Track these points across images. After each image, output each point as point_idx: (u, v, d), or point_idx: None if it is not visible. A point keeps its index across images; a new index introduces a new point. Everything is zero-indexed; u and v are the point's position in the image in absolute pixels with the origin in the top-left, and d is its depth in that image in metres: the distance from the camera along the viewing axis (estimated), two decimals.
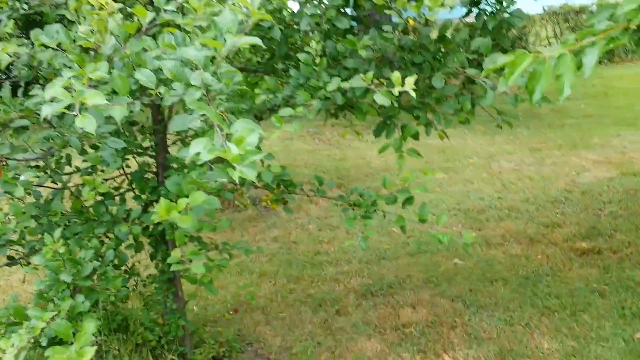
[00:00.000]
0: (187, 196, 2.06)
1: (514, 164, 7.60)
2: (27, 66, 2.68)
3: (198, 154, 1.68)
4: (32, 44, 2.41)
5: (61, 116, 2.43)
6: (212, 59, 1.86)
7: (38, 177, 2.82)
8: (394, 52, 2.91)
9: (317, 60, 2.66)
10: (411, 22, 2.61)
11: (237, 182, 2.29)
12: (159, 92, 1.92)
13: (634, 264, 4.53)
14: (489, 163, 7.68)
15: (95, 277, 2.66)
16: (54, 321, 2.18)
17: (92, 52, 2.03)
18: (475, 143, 8.71)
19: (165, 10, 2.03)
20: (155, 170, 3.31)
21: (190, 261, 2.66)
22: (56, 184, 3.09)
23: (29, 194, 2.80)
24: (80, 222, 3.00)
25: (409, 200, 2.95)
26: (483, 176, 7.16)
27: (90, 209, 3.00)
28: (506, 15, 2.99)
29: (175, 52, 2.02)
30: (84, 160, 3.30)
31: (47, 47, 2.27)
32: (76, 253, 2.56)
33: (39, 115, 2.26)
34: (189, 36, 2.13)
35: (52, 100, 1.74)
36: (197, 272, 2.74)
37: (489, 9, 3.07)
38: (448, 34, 3.00)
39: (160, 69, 1.97)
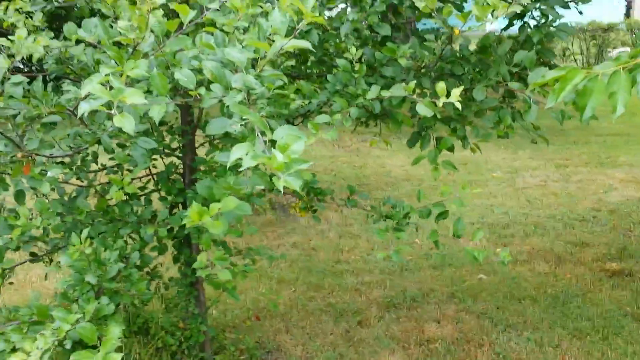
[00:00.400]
0: (218, 201, 2.01)
1: (539, 180, 7.46)
2: (57, 61, 2.64)
3: (239, 159, 1.61)
4: (63, 37, 2.36)
5: (92, 113, 2.37)
6: (255, 61, 1.79)
7: (65, 174, 2.77)
8: (434, 62, 2.82)
9: (357, 67, 2.58)
10: (457, 32, 2.52)
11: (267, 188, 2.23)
12: (199, 94, 1.85)
13: None
14: (513, 178, 7.55)
15: (118, 279, 2.60)
16: (78, 323, 2.12)
17: (129, 49, 1.97)
18: (498, 157, 8.58)
19: (207, 9, 1.97)
20: (181, 171, 3.25)
21: (214, 266, 2.60)
22: (82, 181, 3.04)
23: (54, 190, 2.75)
24: (104, 222, 2.94)
25: (443, 215, 2.86)
26: (507, 191, 7.04)
27: (115, 209, 2.94)
28: (552, 29, 2.89)
29: (214, 53, 1.96)
30: (111, 159, 3.26)
31: (79, 41, 2.22)
32: (101, 253, 2.50)
33: (70, 111, 2.21)
34: (228, 37, 2.07)
35: (88, 96, 1.68)
36: (224, 278, 2.68)
37: (533, 22, 2.98)
38: (489, 46, 2.92)
39: (198, 69, 1.91)
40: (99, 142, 2.48)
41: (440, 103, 2.20)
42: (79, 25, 2.11)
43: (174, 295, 3.26)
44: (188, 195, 2.94)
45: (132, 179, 2.99)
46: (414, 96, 2.35)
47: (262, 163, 1.59)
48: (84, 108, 1.61)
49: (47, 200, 2.76)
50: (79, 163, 2.99)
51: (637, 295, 4.29)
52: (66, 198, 2.95)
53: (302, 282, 4.72)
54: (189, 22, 1.91)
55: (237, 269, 2.96)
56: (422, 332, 3.88)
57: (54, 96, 2.12)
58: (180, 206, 3.20)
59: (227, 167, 1.68)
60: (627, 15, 21.57)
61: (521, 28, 3.00)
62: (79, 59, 2.21)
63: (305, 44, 1.68)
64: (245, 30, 2.09)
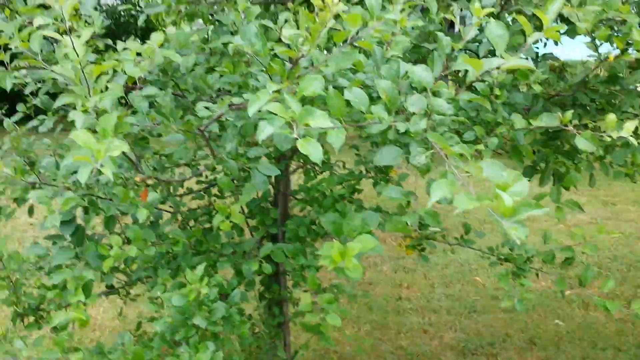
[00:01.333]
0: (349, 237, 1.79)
1: (589, 217, 7.18)
2: (162, 71, 2.39)
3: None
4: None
5: (219, 135, 2.12)
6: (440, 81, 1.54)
7: (164, 200, 2.50)
8: (569, 90, 2.57)
9: (497, 91, 2.32)
10: (611, 58, 2.27)
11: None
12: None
13: None
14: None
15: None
16: None
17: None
18: (539, 190, 8.29)
19: (376, 19, 1.71)
20: (272, 199, 2.99)
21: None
22: (170, 207, 2.78)
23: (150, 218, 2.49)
24: (194, 253, 2.68)
25: (569, 260, 2.59)
26: (558, 227, 6.74)
27: (208, 238, 2.67)
28: None
29: (385, 69, 1.71)
30: (199, 182, 3.00)
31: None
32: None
33: (200, 131, 1.95)
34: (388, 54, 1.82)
35: (256, 114, 1.43)
36: (333, 323, 2.42)
37: None
38: (622, 74, 2.67)
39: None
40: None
41: (614, 135, 1.95)
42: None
43: (260, 336, 2.97)
44: (289, 227, 2.68)
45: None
46: (571, 128, 2.09)
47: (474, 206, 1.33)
48: (266, 131, 1.35)
49: (139, 228, 2.49)
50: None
51: None
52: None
53: (365, 320, 4.42)
54: (356, 34, 1.66)
55: (328, 308, 2.68)
56: None
57: (182, 114, 1.87)
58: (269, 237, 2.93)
59: (427, 207, 1.40)
60: None
61: None
62: (224, 72, 1.96)
63: (527, 63, 1.42)
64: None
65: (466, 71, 1.61)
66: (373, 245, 1.79)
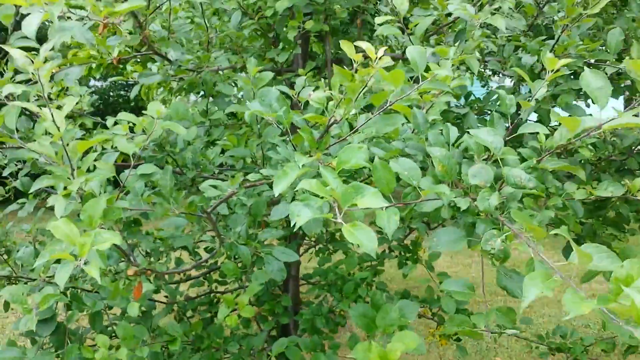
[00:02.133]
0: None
1: (605, 286, 6.80)
2: (158, 146, 2.09)
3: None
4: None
5: (224, 215, 1.80)
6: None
7: (158, 289, 2.15)
8: (621, 154, 2.30)
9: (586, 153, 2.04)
10: None
11: None
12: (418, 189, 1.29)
13: None
14: (576, 283, 6.87)
15: None
16: None
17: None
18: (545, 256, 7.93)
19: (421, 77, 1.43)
20: (281, 284, 2.64)
21: None
22: (166, 297, 2.43)
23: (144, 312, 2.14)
24: (193, 349, 2.31)
25: (632, 349, 2.25)
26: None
27: (209, 333, 2.31)
28: None
29: (433, 135, 1.41)
30: (197, 267, 2.66)
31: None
32: None
33: (207, 213, 1.63)
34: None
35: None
36: None
37: None
38: None
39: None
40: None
41: None
42: None
43: None
44: (304, 317, 2.32)
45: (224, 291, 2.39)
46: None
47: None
48: (303, 216, 1.04)
49: (130, 324, 2.13)
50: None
51: None
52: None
53: None
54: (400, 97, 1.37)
55: None
56: None
57: (187, 194, 1.56)
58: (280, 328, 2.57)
59: (522, 302, 1.09)
60: None
61: None
62: (227, 146, 1.66)
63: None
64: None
65: (535, 133, 1.33)
66: (416, 344, 1.49)
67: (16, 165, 2.41)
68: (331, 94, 1.29)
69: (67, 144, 1.32)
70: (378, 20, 1.81)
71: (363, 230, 1.03)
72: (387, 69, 1.31)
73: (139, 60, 2.33)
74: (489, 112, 2.43)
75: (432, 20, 1.85)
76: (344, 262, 2.38)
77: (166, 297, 2.44)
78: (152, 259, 2.03)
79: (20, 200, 2.43)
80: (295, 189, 1.62)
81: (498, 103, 2.30)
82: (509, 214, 1.27)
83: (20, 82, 1.92)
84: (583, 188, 1.92)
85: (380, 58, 1.19)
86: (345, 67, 1.31)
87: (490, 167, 1.24)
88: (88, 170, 1.37)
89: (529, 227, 1.07)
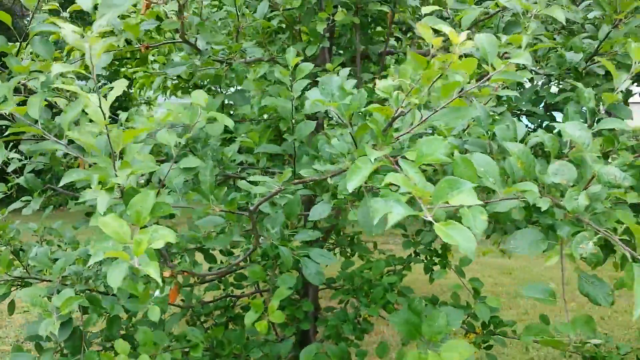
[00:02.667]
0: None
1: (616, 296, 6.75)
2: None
3: None
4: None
5: (261, 217, 1.69)
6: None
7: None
8: None
9: None
10: None
11: None
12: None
13: None
14: (575, 291, 6.84)
15: None
16: None
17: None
18: (542, 264, 7.93)
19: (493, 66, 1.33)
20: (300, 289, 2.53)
21: None
22: (183, 300, 2.31)
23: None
24: (212, 356, 2.19)
25: None
26: (572, 305, 6.31)
27: (229, 338, 2.19)
28: None
29: (500, 130, 1.32)
30: (210, 268, 2.55)
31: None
32: None
33: (250, 211, 1.51)
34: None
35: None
36: None
37: None
38: None
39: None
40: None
41: None
42: None
43: None
44: (330, 324, 2.22)
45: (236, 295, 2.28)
46: None
47: None
48: (395, 214, 0.93)
49: (150, 330, 2.01)
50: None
51: None
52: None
53: None
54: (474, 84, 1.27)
55: None
56: None
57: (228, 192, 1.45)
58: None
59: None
60: None
61: None
62: (246, 142, 1.55)
63: None
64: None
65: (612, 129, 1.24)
66: (470, 354, 1.41)
67: (20, 160, 2.29)
68: (400, 82, 1.19)
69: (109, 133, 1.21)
70: (425, 9, 1.71)
71: (459, 229, 0.93)
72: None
73: (159, 51, 2.22)
74: (520, 111, 2.35)
75: (480, 12, 1.76)
76: (371, 265, 2.28)
77: (182, 300, 2.32)
78: (178, 261, 1.91)
79: (24, 198, 2.30)
80: (335, 187, 1.52)
81: (531, 99, 2.22)
82: (595, 215, 1.18)
83: (35, 71, 1.80)
84: None
85: (462, 43, 1.09)
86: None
87: (608, 166, 1.14)
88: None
89: (635, 229, 0.98)
